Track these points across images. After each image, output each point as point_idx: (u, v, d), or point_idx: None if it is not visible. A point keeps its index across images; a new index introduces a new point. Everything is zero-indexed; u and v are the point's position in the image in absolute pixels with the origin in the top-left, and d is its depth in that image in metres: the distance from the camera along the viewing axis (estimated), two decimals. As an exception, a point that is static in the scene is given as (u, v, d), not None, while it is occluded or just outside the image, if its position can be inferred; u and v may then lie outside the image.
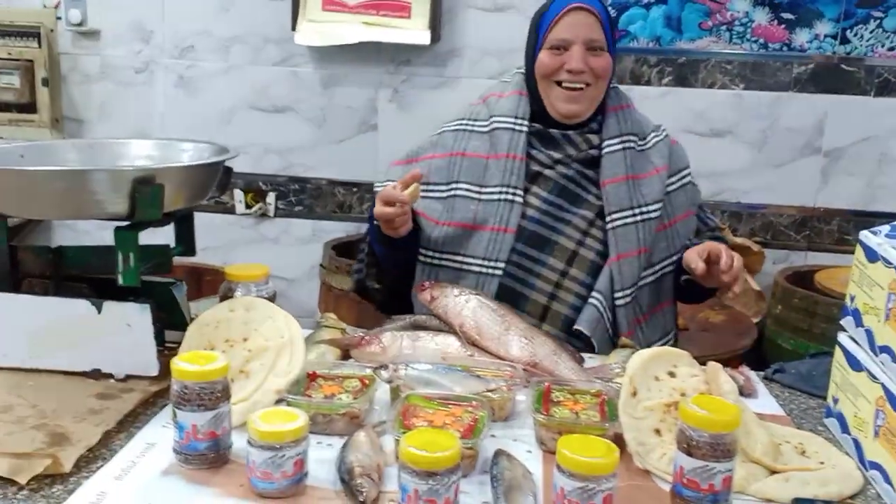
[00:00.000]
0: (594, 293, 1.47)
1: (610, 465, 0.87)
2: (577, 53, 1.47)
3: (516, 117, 1.54)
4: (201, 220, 1.38)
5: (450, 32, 2.69)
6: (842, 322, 1.18)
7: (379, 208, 1.39)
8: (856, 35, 2.58)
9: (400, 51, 2.70)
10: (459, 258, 1.51)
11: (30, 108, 2.79)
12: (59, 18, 2.78)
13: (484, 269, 1.49)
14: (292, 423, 0.91)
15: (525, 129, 1.54)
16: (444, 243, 1.52)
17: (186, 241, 1.35)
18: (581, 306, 1.47)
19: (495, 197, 1.51)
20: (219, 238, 2.82)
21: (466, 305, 1.35)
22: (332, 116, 2.78)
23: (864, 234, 1.14)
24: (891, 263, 1.04)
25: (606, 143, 1.54)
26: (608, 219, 1.50)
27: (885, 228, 1.13)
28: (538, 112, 1.55)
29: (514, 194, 1.51)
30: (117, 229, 1.17)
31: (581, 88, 1.49)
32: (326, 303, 2.44)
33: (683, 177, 1.61)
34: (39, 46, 2.77)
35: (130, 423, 1.08)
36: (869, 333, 1.08)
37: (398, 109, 2.75)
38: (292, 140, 2.81)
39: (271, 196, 2.84)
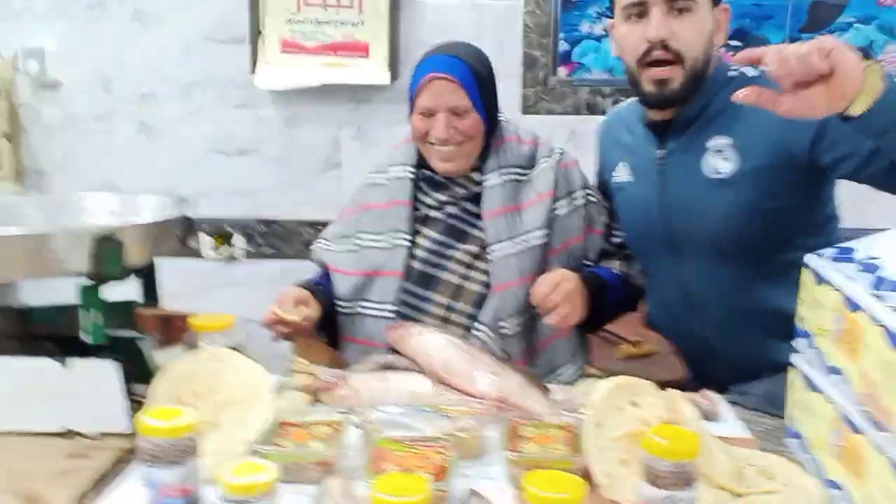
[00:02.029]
0: (477, 324, 1.53)
1: (576, 500, 0.88)
2: (440, 122, 1.53)
3: (403, 164, 1.64)
4: (168, 266, 1.39)
5: (408, 70, 2.68)
6: (794, 343, 1.22)
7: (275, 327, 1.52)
8: (801, 58, 2.67)
9: (360, 90, 2.74)
10: (359, 304, 1.59)
11: (-10, 161, 2.78)
12: (17, 70, 2.77)
13: (375, 312, 1.57)
14: (262, 475, 0.92)
15: (411, 175, 1.63)
16: (351, 293, 1.61)
17: (151, 295, 1.36)
18: (469, 338, 1.51)
19: (387, 243, 1.60)
20: (187, 283, 2.80)
21: (433, 343, 1.38)
22: (295, 156, 2.80)
23: (809, 258, 1.19)
24: (835, 286, 1.08)
25: (486, 177, 1.60)
26: (488, 250, 1.56)
27: (831, 251, 1.18)
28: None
29: (400, 238, 1.59)
30: (81, 288, 1.17)
31: (453, 148, 1.55)
32: (298, 344, 2.43)
33: (575, 198, 1.62)
34: (-1, 99, 2.76)
35: (103, 481, 1.07)
36: (820, 355, 1.12)
37: (361, 146, 2.78)
38: (257, 182, 2.82)
39: (238, 239, 2.84)
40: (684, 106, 1.49)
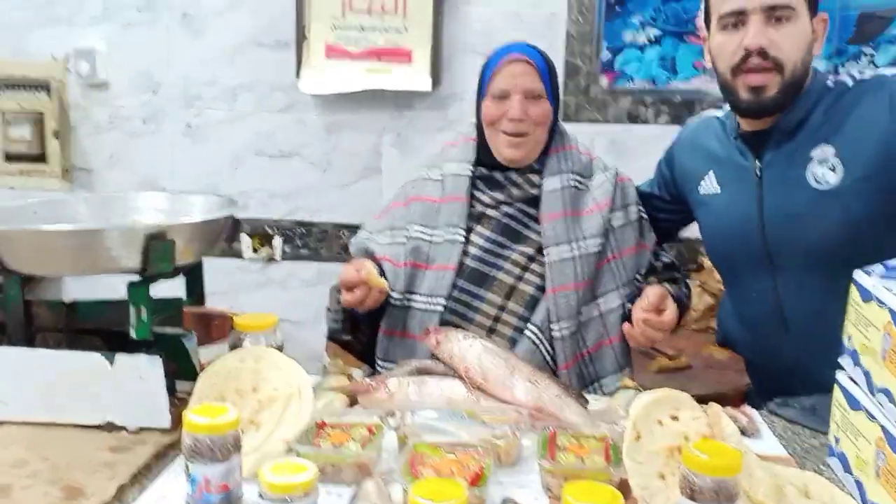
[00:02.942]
0: (530, 325, 1.54)
1: (613, 511, 0.88)
2: (516, 103, 1.56)
3: (461, 162, 1.65)
4: (209, 266, 1.42)
5: (450, 77, 2.74)
6: (840, 361, 1.20)
7: (344, 295, 1.48)
8: (849, 71, 2.63)
9: (402, 96, 2.76)
10: (409, 296, 1.59)
11: (40, 158, 2.85)
12: (68, 71, 2.85)
13: (426, 306, 1.57)
14: (302, 475, 0.93)
15: (469, 172, 1.64)
16: (401, 284, 1.60)
17: (196, 292, 1.39)
18: (518, 339, 1.53)
19: (441, 238, 1.60)
20: (226, 283, 2.85)
21: (471, 350, 1.37)
22: (336, 161, 2.83)
23: (858, 274, 1.17)
24: (884, 304, 1.06)
25: (546, 181, 1.61)
26: (545, 252, 1.57)
27: (879, 268, 1.16)
28: (485, 156, 1.64)
29: (456, 233, 1.60)
30: (130, 284, 1.20)
31: (523, 135, 1.57)
32: (332, 345, 2.46)
33: (630, 212, 1.64)
34: (49, 98, 2.84)
35: (143, 475, 1.09)
36: (867, 374, 1.10)
37: (401, 153, 2.80)
38: (298, 185, 2.86)
39: (277, 240, 2.88)
40: (783, 116, 1.47)
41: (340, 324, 1.67)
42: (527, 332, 1.54)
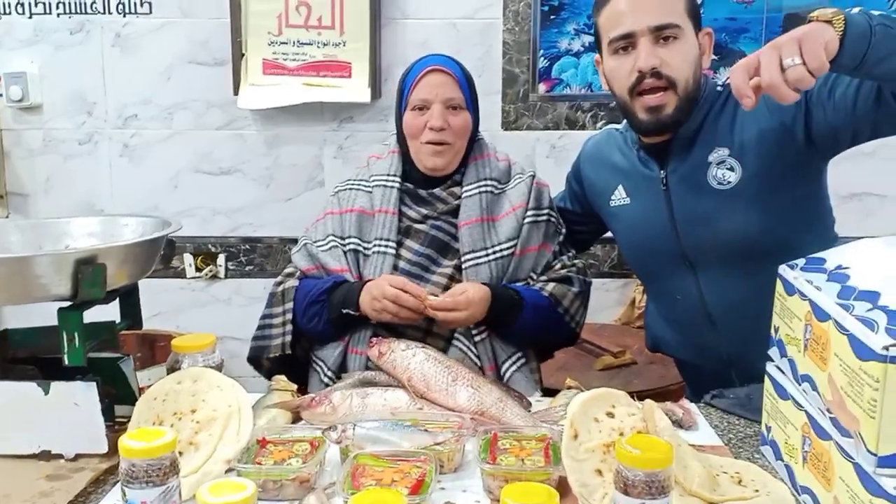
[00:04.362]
0: (456, 335, 1.58)
1: (549, 510, 0.90)
2: (436, 112, 1.59)
3: (388, 175, 1.67)
4: (151, 286, 1.40)
5: (389, 89, 2.75)
6: (769, 352, 1.24)
7: (391, 306, 1.48)
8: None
9: (342, 108, 2.76)
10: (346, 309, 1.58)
11: (-27, 185, 2.78)
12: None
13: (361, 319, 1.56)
14: (240, 494, 0.93)
15: (396, 185, 1.66)
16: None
17: (132, 315, 1.37)
18: (447, 349, 1.55)
19: (372, 250, 1.62)
20: (170, 303, 2.81)
21: (413, 359, 1.39)
22: (278, 175, 2.82)
23: (782, 268, 1.21)
24: (805, 296, 1.11)
25: (465, 189, 1.64)
26: (462, 259, 1.60)
27: (801, 262, 1.20)
28: (410, 171, 1.67)
29: (387, 247, 1.61)
30: (60, 310, 1.18)
31: (444, 143, 1.60)
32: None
33: (541, 214, 1.67)
34: (-20, 124, 2.77)
35: (81, 502, 1.08)
36: (791, 363, 1.14)
37: (343, 165, 2.80)
38: (240, 201, 2.84)
39: (221, 258, 2.85)
40: (681, 127, 1.52)
41: (290, 336, 1.63)
42: (454, 342, 1.57)
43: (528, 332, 1.59)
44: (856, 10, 1.20)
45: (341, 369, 1.59)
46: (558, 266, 1.67)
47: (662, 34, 1.45)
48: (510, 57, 2.73)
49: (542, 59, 2.74)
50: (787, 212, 1.48)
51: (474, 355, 1.56)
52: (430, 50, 2.67)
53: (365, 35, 2.69)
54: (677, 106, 1.47)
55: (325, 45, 2.72)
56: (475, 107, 1.65)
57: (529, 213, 1.65)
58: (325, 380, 1.59)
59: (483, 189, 1.64)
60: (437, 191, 1.65)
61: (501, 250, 1.61)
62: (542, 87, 2.76)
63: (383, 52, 2.73)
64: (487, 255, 1.60)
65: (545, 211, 1.68)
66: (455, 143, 1.61)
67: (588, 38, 2.72)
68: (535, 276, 1.65)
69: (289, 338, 1.61)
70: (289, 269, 1.74)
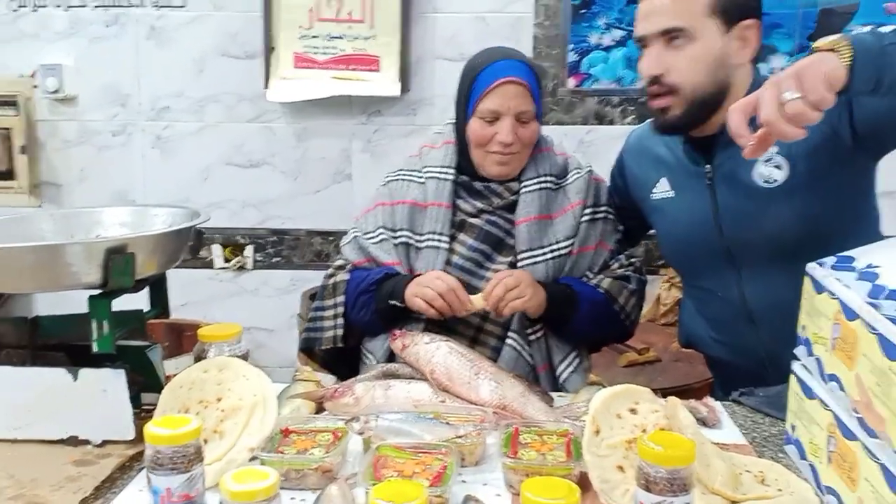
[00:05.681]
0: (510, 333, 1.55)
1: (571, 505, 0.90)
2: (507, 126, 1.53)
3: (443, 167, 1.63)
4: (180, 277, 1.42)
5: (418, 82, 2.76)
6: (795, 351, 1.22)
7: (438, 299, 1.47)
8: (810, 66, 2.67)
9: (371, 102, 2.78)
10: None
11: (8, 175, 2.85)
12: (35, 87, 2.84)
13: (411, 314, 1.55)
14: (263, 482, 0.94)
15: (451, 177, 1.62)
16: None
17: (160, 304, 1.39)
18: (501, 348, 1.54)
19: (425, 244, 1.59)
20: (198, 293, 2.85)
21: (437, 352, 1.39)
22: (307, 168, 2.84)
23: (811, 266, 1.19)
24: (834, 295, 1.09)
25: (524, 184, 1.61)
26: (518, 257, 1.57)
27: (831, 260, 1.18)
28: (464, 162, 1.63)
29: (440, 241, 1.58)
30: (91, 298, 1.20)
31: (512, 154, 1.56)
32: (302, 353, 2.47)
33: (599, 211, 1.65)
34: (17, 114, 2.83)
35: (108, 488, 1.10)
36: (819, 362, 1.13)
37: (371, 158, 2.81)
38: (269, 193, 2.87)
39: (249, 249, 2.88)
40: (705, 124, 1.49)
41: (342, 329, 1.63)
42: (508, 341, 1.55)
43: (584, 328, 1.58)
44: (866, 29, 1.17)
45: (391, 359, 1.56)
46: (615, 266, 1.65)
47: (671, 38, 1.43)
48: (540, 51, 2.72)
49: (572, 53, 2.73)
50: (835, 211, 1.45)
51: (528, 354, 1.55)
52: (461, 45, 2.69)
53: (395, 29, 2.70)
54: (684, 109, 1.45)
55: (354, 38, 2.73)
56: (541, 104, 1.60)
57: (587, 210, 1.62)
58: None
59: (542, 185, 1.61)
60: (493, 184, 1.62)
61: (558, 249, 1.58)
62: (571, 82, 2.75)
63: (413, 46, 2.74)
64: (544, 253, 1.57)
65: (603, 208, 1.66)
66: (521, 151, 1.58)
67: (619, 33, 2.71)
68: (590, 275, 1.63)
69: (340, 331, 1.61)
70: (339, 262, 1.71)
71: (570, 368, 1.58)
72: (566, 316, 1.55)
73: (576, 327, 1.57)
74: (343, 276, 1.66)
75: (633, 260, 1.68)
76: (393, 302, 1.54)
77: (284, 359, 2.71)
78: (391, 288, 1.56)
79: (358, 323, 1.62)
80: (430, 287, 1.48)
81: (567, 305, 1.55)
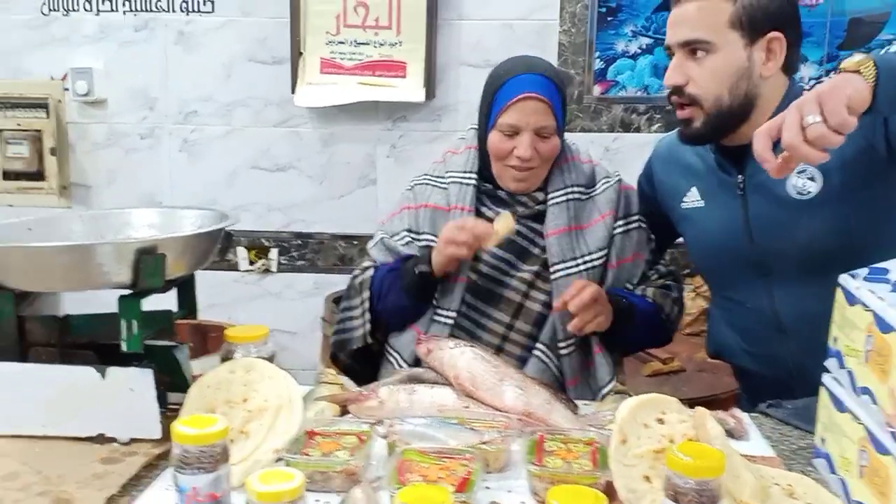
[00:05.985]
0: (538, 344, 1.54)
1: (597, 514, 0.89)
2: (525, 141, 1.52)
3: (465, 172, 1.62)
4: (205, 278, 1.43)
5: (444, 89, 2.77)
6: (826, 363, 1.20)
7: (454, 245, 1.47)
8: (840, 76, 2.65)
9: (396, 108, 2.79)
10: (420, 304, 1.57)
11: (38, 176, 2.88)
12: (66, 90, 2.88)
13: (437, 317, 1.56)
14: (289, 483, 0.94)
15: (473, 182, 1.61)
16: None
17: (188, 305, 1.40)
18: (528, 358, 1.53)
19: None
20: (223, 295, 2.87)
21: (461, 357, 1.38)
22: (332, 173, 2.86)
23: (844, 278, 1.17)
24: (868, 307, 1.07)
25: (551, 195, 1.59)
26: (551, 270, 1.56)
27: (864, 272, 1.16)
28: (486, 170, 1.62)
29: None
30: (121, 298, 1.22)
31: (530, 169, 1.55)
32: (328, 354, 2.48)
33: (631, 221, 1.64)
34: (48, 117, 2.87)
35: (133, 486, 1.11)
36: (850, 375, 1.11)
37: (396, 164, 2.82)
38: (294, 197, 2.88)
39: (274, 252, 2.90)
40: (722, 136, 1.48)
41: (370, 324, 1.63)
42: (535, 352, 1.54)
43: (636, 339, 1.58)
44: (894, 48, 1.16)
45: (417, 361, 1.56)
46: (655, 277, 1.64)
47: (692, 49, 1.43)
48: (566, 58, 2.72)
49: (598, 60, 2.72)
50: (868, 224, 1.43)
51: (555, 367, 1.54)
52: (486, 52, 2.69)
53: (421, 35, 2.71)
54: (705, 121, 1.44)
55: (381, 44, 2.74)
56: (564, 116, 1.58)
57: (619, 222, 1.61)
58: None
59: (570, 196, 1.59)
60: (517, 194, 1.61)
61: (592, 260, 1.57)
62: (597, 89, 2.74)
63: (438, 53, 2.74)
64: (578, 265, 1.56)
65: (635, 218, 1.64)
66: (540, 167, 1.57)
67: (645, 41, 2.70)
68: (630, 286, 1.61)
69: (369, 326, 1.60)
70: (366, 263, 1.71)
71: (609, 387, 1.55)
72: (623, 328, 1.53)
73: (629, 338, 1.56)
74: (368, 273, 1.66)
75: (671, 268, 1.68)
76: (421, 267, 1.53)
77: (307, 361, 2.71)
78: (415, 262, 1.56)
79: (386, 309, 1.60)
80: (448, 232, 1.48)
81: (626, 318, 1.54)
